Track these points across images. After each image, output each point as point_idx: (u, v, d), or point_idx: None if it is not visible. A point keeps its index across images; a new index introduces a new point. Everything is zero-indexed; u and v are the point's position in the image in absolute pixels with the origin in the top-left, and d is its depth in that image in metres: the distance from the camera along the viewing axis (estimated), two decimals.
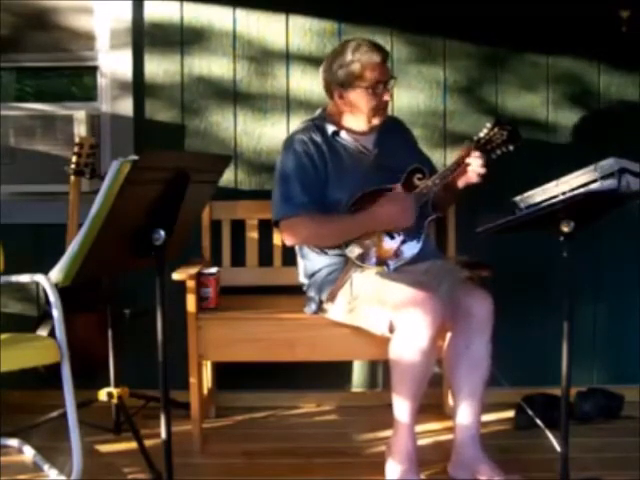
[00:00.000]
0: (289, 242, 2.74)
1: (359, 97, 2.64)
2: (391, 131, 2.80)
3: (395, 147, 2.76)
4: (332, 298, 2.63)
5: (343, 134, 2.71)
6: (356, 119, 2.70)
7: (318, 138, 2.69)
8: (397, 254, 2.63)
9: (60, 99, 3.34)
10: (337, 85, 2.67)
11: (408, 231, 2.64)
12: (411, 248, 2.65)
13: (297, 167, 2.65)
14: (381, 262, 2.61)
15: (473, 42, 3.21)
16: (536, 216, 2.05)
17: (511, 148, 2.65)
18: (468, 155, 2.62)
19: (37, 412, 2.87)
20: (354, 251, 2.60)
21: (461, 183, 2.67)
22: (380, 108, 2.67)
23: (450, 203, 2.97)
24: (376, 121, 2.69)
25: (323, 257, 2.70)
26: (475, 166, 2.61)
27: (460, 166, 2.63)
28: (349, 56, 2.62)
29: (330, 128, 2.71)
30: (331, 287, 2.63)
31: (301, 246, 2.77)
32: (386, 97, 2.66)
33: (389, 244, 2.64)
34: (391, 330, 2.43)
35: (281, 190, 2.67)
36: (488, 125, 2.65)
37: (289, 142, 2.72)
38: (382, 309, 2.46)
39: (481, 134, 2.64)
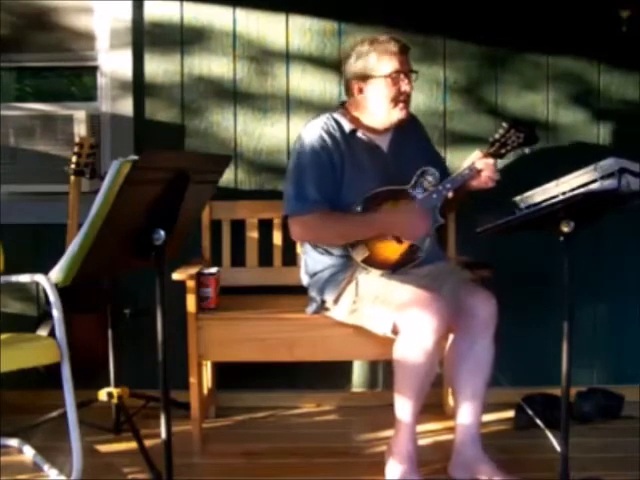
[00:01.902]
0: (296, 238, 2.72)
1: (378, 88, 2.59)
2: (406, 130, 2.72)
3: (409, 148, 2.71)
4: (337, 301, 2.62)
5: (359, 134, 2.66)
6: (375, 116, 2.64)
7: (337, 134, 2.63)
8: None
9: (60, 99, 3.34)
10: (356, 78, 2.62)
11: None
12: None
13: (314, 163, 2.59)
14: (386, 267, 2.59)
15: (473, 42, 3.21)
16: (536, 216, 2.05)
17: (527, 151, 2.59)
18: (483, 159, 2.56)
19: (37, 412, 2.87)
20: (360, 254, 2.58)
21: (474, 188, 2.63)
22: (400, 100, 2.60)
23: (453, 208, 2.94)
24: (396, 114, 2.61)
25: (326, 257, 2.68)
26: (489, 172, 2.56)
27: (473, 172, 2.57)
28: (367, 47, 2.60)
29: (347, 126, 2.65)
30: (334, 289, 2.62)
31: (303, 243, 2.76)
32: (406, 87, 2.59)
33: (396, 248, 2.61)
34: (394, 331, 2.42)
35: (295, 185, 2.61)
36: (504, 125, 2.55)
37: (307, 135, 2.63)
38: (386, 310, 2.45)
39: (497, 135, 2.55)
